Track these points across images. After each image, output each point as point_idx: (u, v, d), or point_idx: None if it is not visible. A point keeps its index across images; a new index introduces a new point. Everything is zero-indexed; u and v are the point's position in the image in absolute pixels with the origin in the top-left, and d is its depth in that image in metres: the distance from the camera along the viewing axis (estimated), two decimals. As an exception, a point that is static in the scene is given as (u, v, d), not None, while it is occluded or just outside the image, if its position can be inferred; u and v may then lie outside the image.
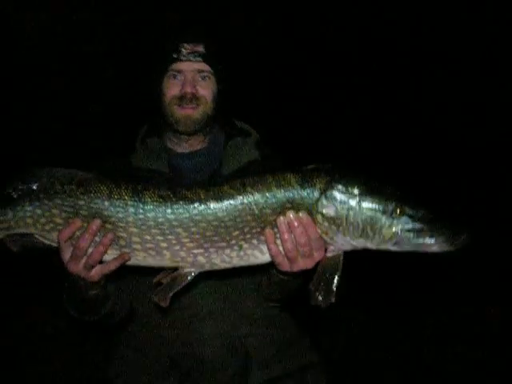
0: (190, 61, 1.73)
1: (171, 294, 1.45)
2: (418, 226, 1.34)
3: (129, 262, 1.46)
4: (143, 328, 1.81)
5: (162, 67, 1.76)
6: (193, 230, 1.43)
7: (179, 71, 1.75)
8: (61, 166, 1.46)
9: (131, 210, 1.41)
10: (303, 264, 1.41)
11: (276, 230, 1.39)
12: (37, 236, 1.46)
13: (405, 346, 3.92)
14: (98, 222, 1.39)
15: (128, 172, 1.77)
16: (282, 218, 1.37)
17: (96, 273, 1.44)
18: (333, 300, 1.38)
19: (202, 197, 1.42)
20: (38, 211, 1.43)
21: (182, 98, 1.74)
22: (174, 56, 1.73)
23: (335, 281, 1.39)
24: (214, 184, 1.46)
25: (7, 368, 3.67)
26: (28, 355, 3.83)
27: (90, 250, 1.40)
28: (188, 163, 1.84)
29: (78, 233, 1.40)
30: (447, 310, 4.37)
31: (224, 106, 1.85)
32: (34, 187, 1.43)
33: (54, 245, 1.45)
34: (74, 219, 1.40)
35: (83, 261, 1.40)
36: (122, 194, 1.42)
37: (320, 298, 1.39)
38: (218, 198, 1.41)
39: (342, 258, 1.42)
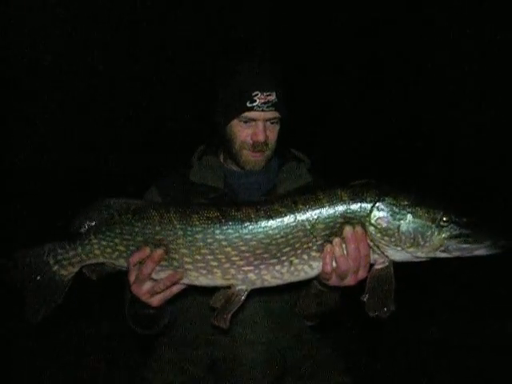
0: (264, 111, 1.75)
1: (229, 316, 1.50)
2: (464, 231, 1.41)
3: (183, 281, 1.52)
4: (185, 330, 1.87)
5: (234, 112, 1.76)
6: (242, 248, 1.47)
7: (252, 119, 1.77)
8: (117, 196, 1.57)
9: (180, 232, 1.48)
10: (348, 280, 1.47)
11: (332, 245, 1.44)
12: (107, 263, 1.58)
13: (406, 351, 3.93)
14: (160, 252, 1.47)
15: (185, 188, 1.85)
16: (336, 238, 1.42)
17: (156, 299, 1.52)
18: (394, 308, 1.42)
19: (253, 216, 1.46)
20: (103, 243, 1.55)
21: (253, 145, 1.78)
22: (248, 105, 1.74)
23: (392, 291, 1.44)
24: (262, 203, 1.48)
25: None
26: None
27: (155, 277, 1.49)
28: (243, 182, 1.89)
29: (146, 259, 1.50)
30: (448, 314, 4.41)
31: (281, 137, 1.88)
32: (97, 220, 1.55)
33: (124, 269, 1.57)
34: (144, 247, 1.49)
35: (146, 286, 1.49)
36: (171, 218, 1.49)
37: (379, 309, 1.43)
38: (270, 217, 1.45)
39: (392, 268, 1.47)
